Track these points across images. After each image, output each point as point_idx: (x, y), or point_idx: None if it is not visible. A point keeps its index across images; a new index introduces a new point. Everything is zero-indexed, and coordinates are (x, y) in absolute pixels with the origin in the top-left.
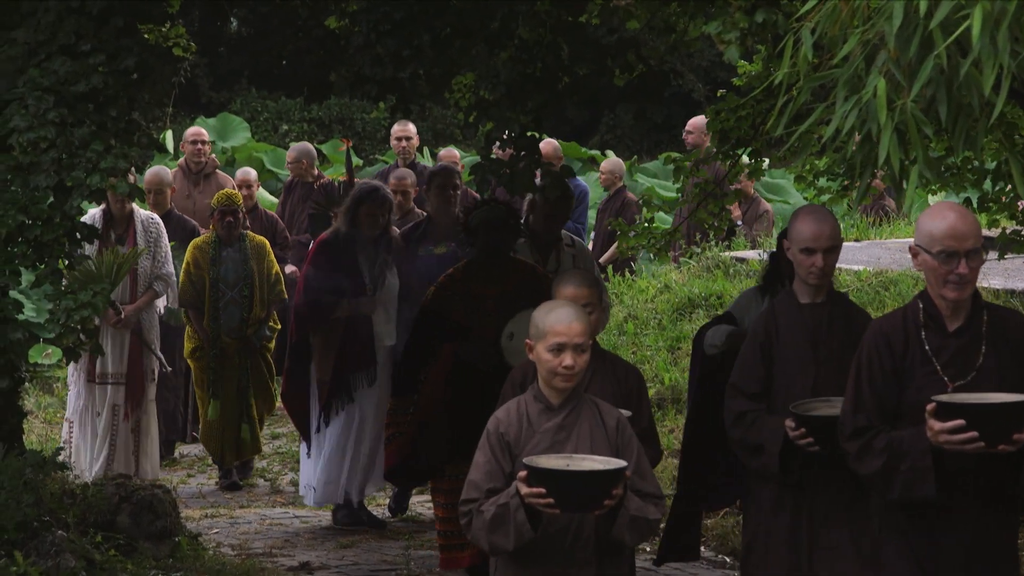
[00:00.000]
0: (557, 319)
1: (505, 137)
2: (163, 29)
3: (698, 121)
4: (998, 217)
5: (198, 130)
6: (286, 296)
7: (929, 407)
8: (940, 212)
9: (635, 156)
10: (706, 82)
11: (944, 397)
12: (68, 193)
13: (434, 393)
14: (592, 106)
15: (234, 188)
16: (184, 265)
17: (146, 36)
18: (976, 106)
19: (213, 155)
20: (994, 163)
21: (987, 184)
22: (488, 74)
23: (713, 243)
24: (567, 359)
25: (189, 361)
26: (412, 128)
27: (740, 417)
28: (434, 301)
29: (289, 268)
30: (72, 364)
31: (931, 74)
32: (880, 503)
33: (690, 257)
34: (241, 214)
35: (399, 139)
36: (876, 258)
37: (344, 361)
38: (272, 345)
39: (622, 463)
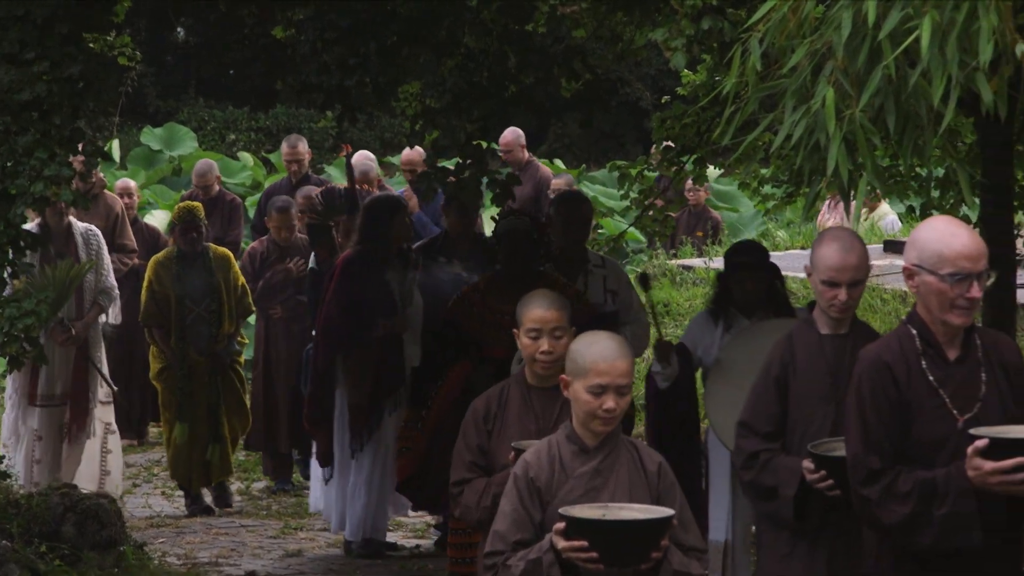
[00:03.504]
0: (600, 356)
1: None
2: (108, 38)
3: (509, 137)
4: None
5: None
6: (254, 309)
7: (979, 444)
8: (948, 229)
9: (583, 165)
10: (654, 90)
11: (984, 431)
12: (12, 201)
13: (442, 415)
14: (539, 115)
15: (123, 209)
16: (146, 282)
17: (91, 45)
18: (924, 116)
19: (101, 174)
20: (941, 170)
21: (934, 192)
22: (434, 82)
23: (659, 250)
24: (608, 402)
25: (155, 383)
26: (302, 148)
27: (752, 458)
28: (452, 312)
29: None
30: (9, 385)
31: (879, 84)
32: (885, 555)
33: (637, 265)
34: (204, 227)
35: (289, 161)
36: None
37: (379, 384)
38: (242, 360)
39: (669, 511)
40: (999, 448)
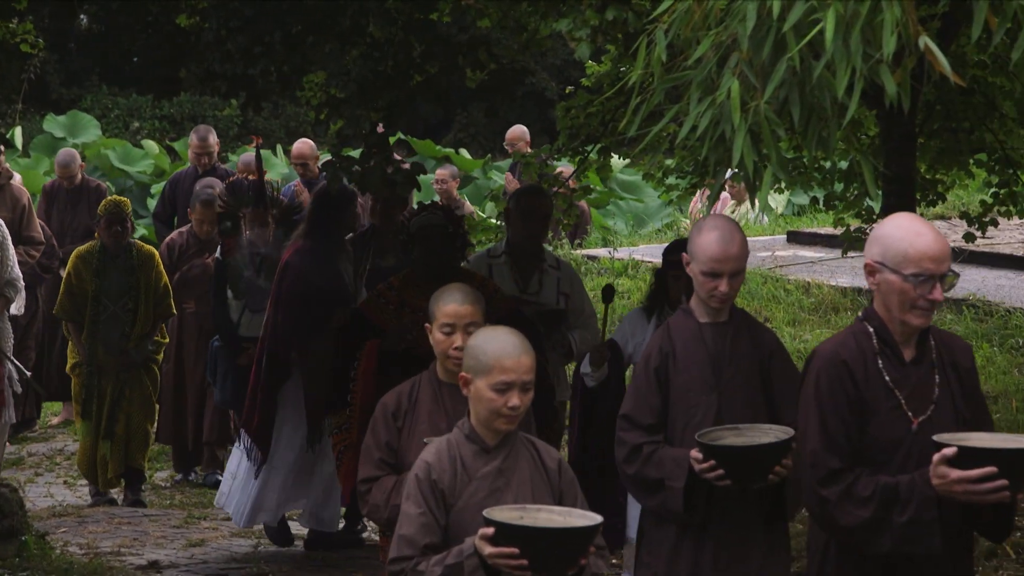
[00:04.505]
0: (503, 352)
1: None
2: (11, 25)
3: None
4: (844, 215)
5: None
6: (175, 311)
7: (947, 451)
8: (913, 228)
9: (488, 155)
10: (559, 80)
11: (948, 438)
12: None
13: (366, 392)
14: (444, 104)
15: (30, 200)
16: (65, 276)
17: None
18: (828, 108)
19: (7, 164)
20: (844, 162)
21: (838, 183)
22: (339, 72)
23: (564, 239)
24: (513, 399)
25: (72, 376)
26: (212, 140)
27: (635, 451)
28: (366, 307)
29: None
30: None
31: (784, 76)
32: (830, 557)
33: None
34: (129, 222)
35: (199, 154)
36: None
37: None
38: (160, 357)
39: (597, 517)
40: (966, 457)
